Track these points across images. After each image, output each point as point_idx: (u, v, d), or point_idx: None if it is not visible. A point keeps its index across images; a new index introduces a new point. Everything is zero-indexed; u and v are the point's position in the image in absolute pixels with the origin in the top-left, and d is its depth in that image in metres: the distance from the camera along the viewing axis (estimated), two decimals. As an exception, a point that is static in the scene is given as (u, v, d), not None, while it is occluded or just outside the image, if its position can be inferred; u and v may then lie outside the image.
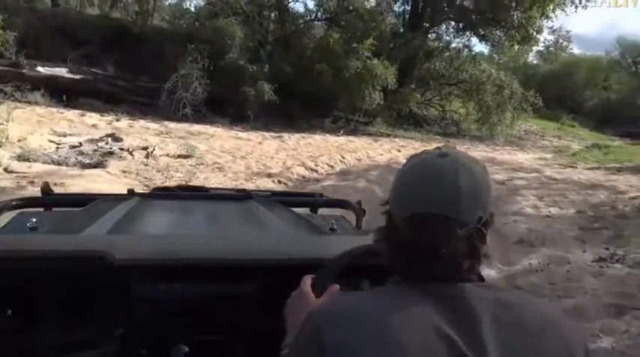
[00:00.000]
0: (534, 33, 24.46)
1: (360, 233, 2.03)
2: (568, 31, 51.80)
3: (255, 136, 14.03)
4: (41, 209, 2.20)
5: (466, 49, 23.78)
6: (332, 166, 10.20)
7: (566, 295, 3.87)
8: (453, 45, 24.43)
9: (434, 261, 0.82)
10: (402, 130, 20.89)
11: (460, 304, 0.80)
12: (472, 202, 0.83)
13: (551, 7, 22.55)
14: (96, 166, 8.15)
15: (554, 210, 6.49)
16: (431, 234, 0.82)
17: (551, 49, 50.30)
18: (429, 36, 24.84)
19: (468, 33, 24.32)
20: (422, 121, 23.81)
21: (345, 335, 0.76)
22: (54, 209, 2.23)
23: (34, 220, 1.73)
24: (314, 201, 2.46)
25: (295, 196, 2.88)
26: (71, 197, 2.71)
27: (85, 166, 8.07)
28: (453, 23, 24.41)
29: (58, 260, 1.27)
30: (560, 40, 51.95)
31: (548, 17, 23.24)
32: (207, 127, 14.34)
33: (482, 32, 23.59)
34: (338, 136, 16.61)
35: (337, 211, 2.43)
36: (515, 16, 22.09)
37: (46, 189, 2.25)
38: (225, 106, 15.86)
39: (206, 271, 1.32)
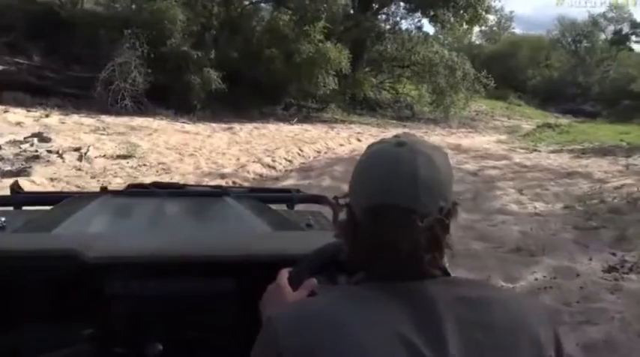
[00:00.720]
0: (483, 12, 24.27)
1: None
2: (511, 12, 52.62)
3: (203, 128, 12.96)
4: (10, 208, 2.12)
5: (417, 31, 23.26)
6: (290, 161, 9.37)
7: (589, 321, 3.27)
8: (404, 26, 23.96)
9: (394, 255, 0.79)
10: (357, 116, 20.27)
11: (422, 303, 0.76)
12: (432, 192, 0.79)
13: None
14: (18, 173, 6.97)
15: (539, 205, 5.97)
16: (390, 226, 0.78)
17: (495, 29, 50.93)
18: (379, 17, 24.28)
19: (417, 14, 23.90)
20: (375, 105, 23.27)
21: (302, 341, 0.74)
22: (24, 208, 2.16)
23: (3, 219, 1.70)
24: (290, 197, 2.43)
25: (271, 192, 2.88)
26: (42, 195, 2.70)
27: (4, 175, 6.88)
28: (402, 4, 23.91)
29: (29, 259, 1.26)
30: (503, 20, 52.80)
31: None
32: (150, 120, 13.14)
33: (432, 13, 23.15)
34: (292, 124, 15.75)
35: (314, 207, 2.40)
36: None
37: (15, 187, 2.24)
38: (168, 96, 14.62)
39: (181, 269, 1.31)
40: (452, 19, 23.68)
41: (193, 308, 1.31)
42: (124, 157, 8.58)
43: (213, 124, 13.73)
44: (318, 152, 10.65)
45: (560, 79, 42.92)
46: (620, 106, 34.85)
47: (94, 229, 1.64)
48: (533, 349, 0.77)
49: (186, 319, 1.32)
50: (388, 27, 24.01)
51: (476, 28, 26.59)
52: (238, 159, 9.06)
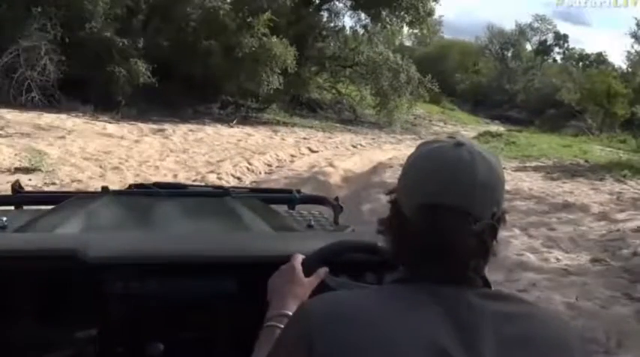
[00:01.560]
0: (425, 15, 23.68)
1: (338, 229, 2.05)
2: (441, 16, 53.19)
3: (129, 129, 11.06)
4: (11, 208, 2.13)
5: (362, 29, 22.21)
6: (239, 179, 7.83)
7: None
8: (348, 24, 22.88)
9: (443, 256, 0.77)
10: (298, 117, 18.88)
11: (461, 312, 0.74)
12: (487, 196, 0.78)
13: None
14: None
15: (561, 256, 4.93)
16: (443, 227, 0.76)
17: (424, 32, 51.40)
18: (322, 13, 23.05)
19: (359, 12, 22.91)
20: (316, 106, 22.01)
21: (335, 338, 0.73)
22: (25, 208, 2.16)
23: (4, 218, 1.69)
24: (291, 197, 2.41)
25: (272, 193, 2.87)
26: (43, 195, 2.78)
27: None
28: (346, 1, 22.83)
29: (30, 259, 1.26)
30: (433, 24, 53.34)
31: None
32: (63, 117, 11.05)
33: (374, 11, 22.23)
34: (231, 126, 14.09)
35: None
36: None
37: (16, 187, 2.26)
38: (86, 89, 12.47)
39: (182, 269, 1.31)
40: (393, 20, 22.97)
41: (194, 308, 1.30)
42: (26, 170, 6.67)
43: (141, 125, 11.82)
44: (270, 166, 9.16)
45: (488, 86, 43.90)
46: (546, 115, 36.03)
47: (94, 229, 1.62)
48: None
49: (187, 319, 1.31)
50: (331, 24, 22.87)
51: (409, 30, 25.92)
52: (176, 175, 7.41)
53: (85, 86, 12.49)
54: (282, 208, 2.38)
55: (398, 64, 20.72)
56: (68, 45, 12.22)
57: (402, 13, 22.28)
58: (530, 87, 42.45)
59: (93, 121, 11.35)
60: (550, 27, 47.26)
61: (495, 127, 30.70)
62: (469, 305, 0.75)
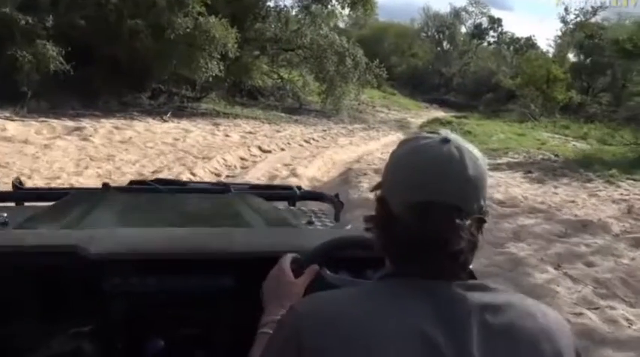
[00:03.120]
0: (370, -4, 22.45)
1: (338, 226, 2.05)
2: (377, -3, 52.29)
3: (36, 128, 8.98)
4: (12, 204, 2.11)
5: (304, 10, 20.55)
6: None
7: None
8: (289, 3, 21.16)
9: (433, 252, 0.77)
10: (239, 106, 17.11)
11: (448, 304, 0.75)
12: (476, 191, 0.79)
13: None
14: None
15: (629, 312, 3.77)
16: (436, 223, 0.77)
17: (368, 12, 50.30)
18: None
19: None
20: (257, 93, 20.25)
21: (324, 338, 0.73)
22: (26, 204, 2.14)
23: (5, 215, 1.67)
24: (292, 194, 2.40)
25: (273, 189, 2.83)
26: (43, 192, 2.67)
27: None
28: (286, -22, 21.16)
29: (31, 255, 1.26)
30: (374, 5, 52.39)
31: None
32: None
33: (315, -9, 20.69)
34: (165, 120, 12.16)
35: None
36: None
37: (17, 183, 2.28)
38: (-19, 78, 10.16)
39: (183, 265, 1.30)
40: (334, 1, 21.57)
41: (193, 304, 1.30)
42: None
43: (54, 122, 9.73)
44: (219, 176, 7.47)
45: (424, 69, 43.59)
46: (485, 99, 36.08)
47: (95, 225, 1.60)
48: None
49: (187, 315, 1.31)
50: (271, 4, 21.09)
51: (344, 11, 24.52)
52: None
53: (-20, 74, 10.15)
54: (282, 205, 2.37)
55: (344, 47, 19.35)
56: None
57: (345, -7, 20.94)
58: (466, 71, 42.54)
59: (-11, 119, 9.14)
60: (484, 11, 47.51)
61: (437, 112, 30.33)
62: (456, 297, 0.75)
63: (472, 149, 0.81)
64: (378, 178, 0.87)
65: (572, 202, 7.04)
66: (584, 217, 6.13)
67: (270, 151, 9.89)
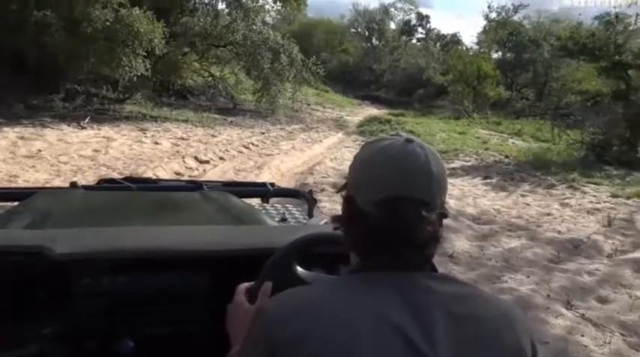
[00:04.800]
0: (302, -8, 21.59)
1: (312, 222, 2.04)
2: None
3: None
4: None
5: (235, 3, 19.31)
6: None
7: None
8: (219, -4, 19.83)
9: (402, 246, 0.81)
10: (168, 108, 15.66)
11: (415, 295, 0.78)
12: (440, 187, 0.84)
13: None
14: None
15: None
16: (405, 217, 0.81)
17: (300, 8, 49.48)
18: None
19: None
20: (186, 93, 18.81)
21: (294, 330, 0.75)
22: None
23: None
24: (265, 191, 2.40)
25: (246, 186, 2.79)
26: (10, 191, 2.55)
27: None
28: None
29: None
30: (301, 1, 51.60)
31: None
32: None
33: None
34: (83, 127, 10.64)
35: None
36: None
37: None
38: None
39: (154, 264, 1.28)
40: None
41: (165, 303, 1.28)
42: None
43: (-58, 133, 8.06)
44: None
45: (355, 65, 43.43)
46: (416, 95, 36.35)
47: (62, 225, 1.56)
48: (515, 348, 0.78)
49: (158, 314, 1.28)
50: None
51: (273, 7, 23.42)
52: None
53: None
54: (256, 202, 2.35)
55: (279, 43, 18.33)
56: None
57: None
58: (396, 67, 42.74)
59: None
60: (412, 7, 48.01)
61: (371, 110, 30.01)
62: (422, 288, 0.78)
63: (432, 149, 0.85)
64: (338, 194, 0.91)
65: (549, 214, 6.53)
66: (570, 235, 5.59)
67: (208, 162, 8.75)
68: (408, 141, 0.84)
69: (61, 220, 1.64)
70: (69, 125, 10.46)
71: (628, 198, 7.38)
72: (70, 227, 1.54)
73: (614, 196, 7.56)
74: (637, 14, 11.94)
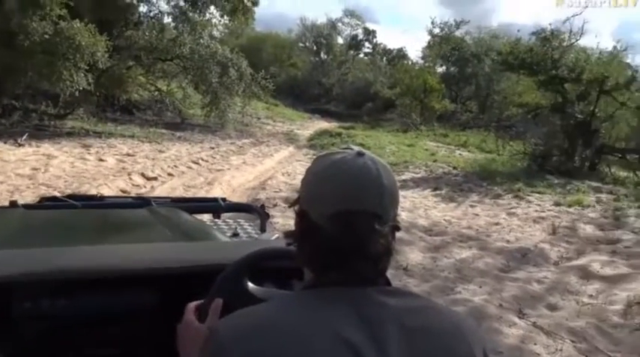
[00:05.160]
0: (250, 4, 21.57)
1: (264, 237, 2.02)
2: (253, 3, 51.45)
3: None
4: None
5: (182, 17, 19.05)
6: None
7: None
8: (165, 9, 19.53)
9: (356, 260, 0.81)
10: (113, 123, 15.16)
11: (369, 311, 0.78)
12: (392, 200, 0.84)
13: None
14: None
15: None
16: (359, 231, 0.81)
17: (249, 22, 49.45)
18: (132, -6, 19.34)
19: (175, -4, 19.80)
20: (132, 107, 18.31)
21: (248, 349, 0.74)
22: None
23: None
24: (216, 206, 2.35)
25: (196, 202, 2.65)
26: None
27: None
28: (158, -18, 19.49)
29: None
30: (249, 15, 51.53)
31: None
32: None
33: (190, -1, 19.41)
34: (19, 144, 10.11)
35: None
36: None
37: None
38: None
39: (99, 284, 1.23)
40: (212, 9, 20.45)
41: (112, 323, 1.24)
42: None
43: None
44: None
45: (304, 79, 43.68)
46: (365, 108, 36.89)
47: (1, 246, 1.47)
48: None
49: (105, 335, 1.24)
50: (144, 9, 19.35)
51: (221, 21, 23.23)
52: None
53: None
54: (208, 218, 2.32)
55: (227, 57, 18.18)
56: None
57: (223, 1, 19.85)
58: (344, 81, 43.28)
59: None
60: (359, 23, 48.87)
61: (321, 123, 30.17)
62: (376, 303, 0.78)
63: (384, 162, 0.86)
64: (291, 209, 0.89)
65: (497, 224, 6.70)
66: (518, 245, 5.75)
67: (155, 179, 8.49)
68: (360, 154, 0.84)
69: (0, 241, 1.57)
70: (5, 143, 9.92)
71: (569, 206, 7.69)
72: (9, 248, 1.48)
73: (556, 204, 7.86)
74: (570, 31, 12.61)
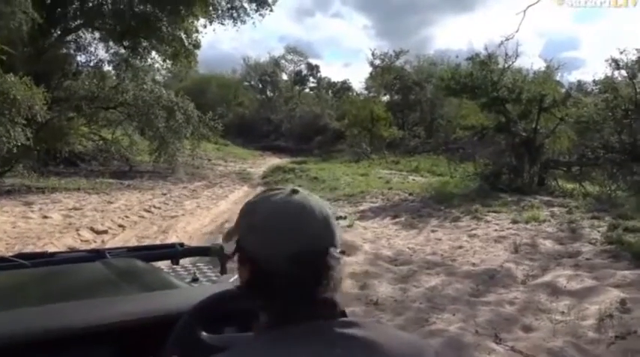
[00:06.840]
0: (192, 47, 21.52)
1: (224, 279, 1.99)
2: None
3: None
4: None
5: (123, 64, 18.74)
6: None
7: None
8: (105, 57, 19.21)
9: (312, 297, 0.80)
10: (55, 177, 14.52)
11: (331, 346, 0.77)
12: (332, 231, 0.84)
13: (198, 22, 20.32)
14: None
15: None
16: (314, 268, 0.80)
17: (192, 65, 49.32)
18: (68, 45, 18.93)
19: (114, 44, 19.56)
20: (76, 159, 17.65)
21: None
22: None
23: None
24: (174, 252, 2.28)
25: (153, 249, 2.51)
26: None
27: None
28: (95, 32, 19.18)
29: None
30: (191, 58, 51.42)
31: (197, 32, 20.85)
32: None
33: (130, 44, 19.23)
34: (-46, 207, 9.45)
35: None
36: (165, 28, 18.51)
37: None
38: None
39: (50, 345, 1.17)
40: (153, 53, 20.28)
41: None
42: None
43: None
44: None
45: (252, 117, 43.71)
46: (314, 142, 37.13)
47: None
48: None
49: None
50: (82, 59, 18.97)
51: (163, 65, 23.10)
52: None
53: None
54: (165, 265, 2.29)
55: (172, 101, 17.93)
56: None
57: (164, 45, 19.70)
58: (292, 116, 43.57)
59: None
60: (302, 58, 49.68)
61: (273, 159, 30.08)
62: (334, 335, 0.78)
63: (314, 195, 0.87)
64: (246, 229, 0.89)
65: (460, 247, 6.69)
66: (484, 266, 5.74)
67: (106, 232, 8.07)
68: (294, 191, 0.85)
69: None
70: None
71: (527, 222, 7.83)
72: None
73: (514, 222, 7.98)
74: (506, 54, 13.15)
